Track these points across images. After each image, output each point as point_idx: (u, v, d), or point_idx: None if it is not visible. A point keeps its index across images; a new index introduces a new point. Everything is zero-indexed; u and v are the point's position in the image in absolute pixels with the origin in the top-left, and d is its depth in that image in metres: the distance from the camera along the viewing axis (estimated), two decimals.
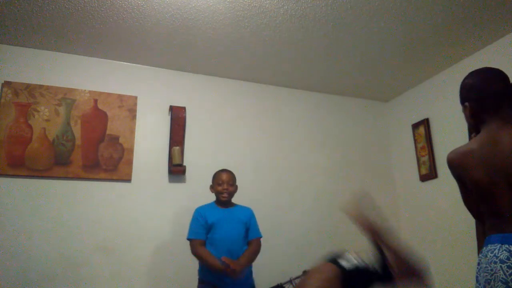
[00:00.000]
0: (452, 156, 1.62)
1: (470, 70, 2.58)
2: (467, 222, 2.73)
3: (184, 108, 3.16)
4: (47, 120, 2.82)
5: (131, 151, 2.96)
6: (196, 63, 3.16)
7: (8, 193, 2.62)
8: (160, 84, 3.19)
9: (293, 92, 3.64)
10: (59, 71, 2.93)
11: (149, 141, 3.06)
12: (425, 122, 3.43)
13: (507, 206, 1.43)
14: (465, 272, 2.86)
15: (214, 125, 3.30)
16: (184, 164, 3.05)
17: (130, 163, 2.94)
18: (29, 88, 2.81)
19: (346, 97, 3.86)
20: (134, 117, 3.03)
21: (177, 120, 3.12)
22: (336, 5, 2.44)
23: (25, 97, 2.78)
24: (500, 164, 1.43)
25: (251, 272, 2.51)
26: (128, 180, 2.92)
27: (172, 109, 3.13)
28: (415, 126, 3.55)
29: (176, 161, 2.98)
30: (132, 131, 3.01)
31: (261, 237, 2.58)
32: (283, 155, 3.46)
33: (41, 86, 2.84)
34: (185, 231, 2.51)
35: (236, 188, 2.61)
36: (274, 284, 2.79)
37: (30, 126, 2.77)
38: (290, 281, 2.80)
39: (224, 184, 2.54)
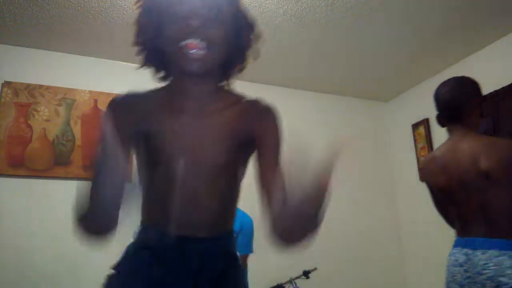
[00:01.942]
0: (424, 165, 1.73)
1: (470, 70, 2.58)
2: None
3: None
4: (47, 120, 2.82)
5: None
6: None
7: (8, 193, 2.62)
8: (160, 84, 3.19)
9: (292, 92, 3.64)
10: (59, 71, 2.93)
11: None
12: (425, 122, 3.43)
13: (466, 211, 1.51)
14: None
15: None
16: None
17: (130, 163, 2.94)
18: (29, 88, 2.81)
19: (346, 97, 3.86)
20: None
21: None
22: (336, 5, 2.45)
23: (25, 97, 2.79)
24: (457, 171, 1.51)
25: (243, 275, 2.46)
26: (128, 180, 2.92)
27: None
28: (415, 126, 3.56)
29: None
30: None
31: (248, 253, 2.43)
32: None
33: (41, 86, 2.84)
34: None
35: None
36: (274, 284, 2.79)
37: (30, 126, 2.77)
38: (290, 281, 2.80)
39: None
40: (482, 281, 1.39)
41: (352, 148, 3.74)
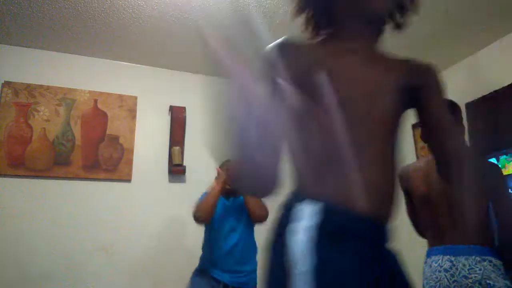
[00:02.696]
0: (402, 171, 1.81)
1: (470, 70, 2.63)
2: None
3: (184, 108, 3.16)
4: (47, 120, 2.82)
5: (131, 151, 2.96)
6: (196, 63, 3.16)
7: (8, 193, 2.62)
8: (160, 84, 3.19)
9: None
10: (59, 71, 2.93)
11: (149, 141, 3.06)
12: None
13: (446, 220, 1.65)
14: None
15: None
16: (184, 164, 3.05)
17: (130, 163, 2.94)
18: (29, 88, 2.81)
19: None
20: (134, 117, 3.03)
21: (177, 120, 3.12)
22: None
23: (25, 97, 2.78)
24: (439, 184, 1.63)
25: (254, 268, 2.34)
26: (128, 180, 2.92)
27: (172, 109, 3.13)
28: (415, 126, 3.55)
29: (176, 161, 2.98)
30: (132, 131, 3.01)
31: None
32: None
33: (41, 86, 2.84)
34: (185, 231, 2.52)
35: None
36: None
37: (30, 126, 2.77)
38: None
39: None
40: (469, 284, 1.52)
41: None
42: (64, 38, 2.78)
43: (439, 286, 1.60)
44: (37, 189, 2.70)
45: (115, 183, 2.89)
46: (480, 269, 1.52)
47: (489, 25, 2.67)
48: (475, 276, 1.52)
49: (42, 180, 2.72)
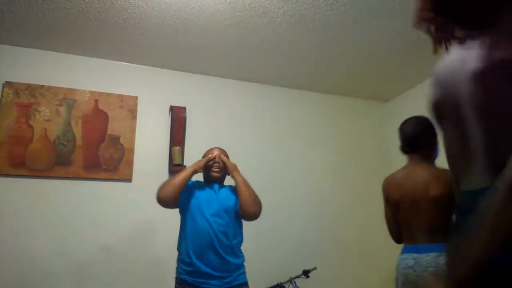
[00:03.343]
0: (384, 181, 2.13)
1: None
2: None
3: (184, 108, 3.17)
4: (48, 120, 2.82)
5: (131, 151, 2.97)
6: (196, 63, 3.17)
7: (9, 193, 2.63)
8: (160, 84, 3.20)
9: (293, 92, 3.64)
10: (60, 71, 2.94)
11: (149, 141, 3.07)
12: None
13: (414, 223, 1.91)
14: None
15: (214, 125, 3.30)
16: (184, 164, 3.05)
17: (130, 163, 2.95)
18: (30, 89, 2.82)
19: (346, 97, 3.86)
20: (134, 117, 3.04)
21: (177, 120, 3.12)
22: (335, 6, 2.45)
23: (26, 97, 2.79)
24: (411, 192, 1.92)
25: (241, 270, 2.11)
26: (129, 180, 2.92)
27: (172, 109, 3.13)
28: None
29: (176, 161, 2.99)
30: (132, 131, 3.01)
31: None
32: (283, 155, 3.46)
33: (42, 87, 2.85)
34: None
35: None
36: (274, 283, 2.80)
37: (31, 126, 2.78)
38: (290, 281, 2.80)
39: (216, 157, 2.21)
40: (427, 277, 1.76)
41: (352, 148, 3.75)
42: (64, 39, 2.78)
43: (406, 282, 1.86)
44: (38, 189, 2.70)
45: (115, 183, 2.89)
46: (436, 264, 1.77)
47: None
48: (431, 270, 1.75)
49: (43, 180, 2.73)
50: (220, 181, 2.24)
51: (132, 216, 2.86)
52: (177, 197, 2.06)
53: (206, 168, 2.20)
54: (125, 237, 2.81)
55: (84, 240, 2.71)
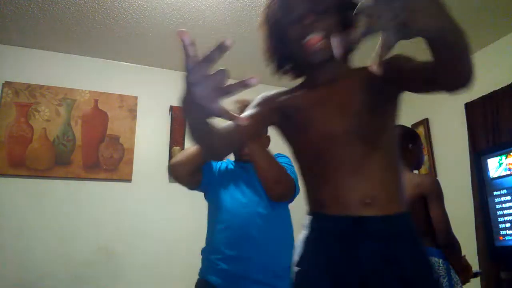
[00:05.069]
0: None
1: None
2: (464, 221, 2.73)
3: None
4: (48, 120, 2.82)
5: (131, 151, 2.97)
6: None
7: (9, 193, 2.63)
8: (160, 84, 3.20)
9: None
10: (60, 71, 2.94)
11: (149, 141, 3.07)
12: (425, 122, 3.43)
13: None
14: None
15: None
16: None
17: (130, 163, 2.95)
18: (30, 88, 2.81)
19: None
20: (134, 117, 3.04)
21: (177, 120, 3.12)
22: None
23: (25, 97, 2.79)
24: None
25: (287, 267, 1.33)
26: (128, 180, 2.92)
27: (172, 109, 3.13)
28: (415, 126, 3.56)
29: None
30: (132, 131, 3.01)
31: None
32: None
33: (41, 86, 2.85)
34: (186, 232, 2.52)
35: (269, 139, 1.67)
36: None
37: (30, 126, 2.77)
38: None
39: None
40: None
41: None
42: (64, 38, 2.78)
43: None
44: (38, 189, 2.70)
45: (115, 183, 2.89)
46: None
47: (488, 25, 2.68)
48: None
49: (43, 180, 2.73)
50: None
51: (132, 216, 2.86)
52: None
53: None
54: (125, 237, 2.81)
55: (84, 240, 2.71)
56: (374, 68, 0.85)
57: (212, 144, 0.88)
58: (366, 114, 0.90)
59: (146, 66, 3.18)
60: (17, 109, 2.76)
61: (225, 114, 0.69)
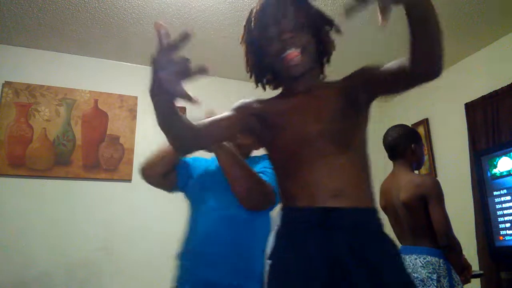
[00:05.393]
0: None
1: (470, 70, 2.74)
2: (464, 221, 2.74)
3: (184, 108, 3.16)
4: (48, 120, 2.82)
5: (131, 151, 2.97)
6: (196, 63, 3.16)
7: (9, 193, 2.63)
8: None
9: None
10: (60, 71, 2.94)
11: (149, 141, 3.06)
12: (425, 122, 3.43)
13: (397, 226, 2.04)
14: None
15: None
16: None
17: (130, 163, 2.95)
18: (30, 88, 2.81)
19: None
20: (134, 117, 3.04)
21: None
22: (335, 5, 2.45)
23: (25, 97, 2.79)
24: (390, 199, 2.05)
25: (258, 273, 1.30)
26: (128, 180, 2.92)
27: None
28: (415, 126, 3.56)
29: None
30: (132, 131, 3.01)
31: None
32: None
33: (41, 86, 2.85)
34: None
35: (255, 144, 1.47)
36: None
37: (30, 126, 2.77)
38: None
39: None
40: None
41: None
42: (64, 38, 2.78)
43: None
44: (38, 189, 2.70)
45: (115, 183, 2.89)
46: (413, 265, 1.86)
47: (488, 26, 2.68)
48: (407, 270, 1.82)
49: (43, 180, 2.73)
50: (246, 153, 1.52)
51: (132, 216, 2.86)
52: None
53: None
54: (125, 237, 2.81)
55: (84, 240, 2.71)
56: (348, 80, 1.04)
57: (179, 134, 0.97)
58: (339, 120, 0.98)
59: (147, 66, 3.17)
60: (17, 109, 2.76)
61: (186, 97, 0.78)
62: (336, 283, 0.85)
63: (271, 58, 1.04)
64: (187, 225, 1.53)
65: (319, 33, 1.08)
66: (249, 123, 1.07)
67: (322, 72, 1.14)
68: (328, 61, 1.15)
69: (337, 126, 0.98)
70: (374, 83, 1.02)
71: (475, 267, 2.58)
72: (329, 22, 1.12)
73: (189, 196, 1.56)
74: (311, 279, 0.87)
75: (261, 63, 1.10)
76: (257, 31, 1.05)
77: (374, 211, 0.96)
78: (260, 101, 1.11)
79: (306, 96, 1.04)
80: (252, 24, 1.07)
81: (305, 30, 1.03)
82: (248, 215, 1.35)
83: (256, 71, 1.13)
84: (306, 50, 1.01)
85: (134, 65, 3.14)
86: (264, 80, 1.15)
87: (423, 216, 1.91)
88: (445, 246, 1.86)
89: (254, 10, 1.06)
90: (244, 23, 1.09)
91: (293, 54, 0.98)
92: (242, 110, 1.07)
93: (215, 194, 1.43)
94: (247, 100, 1.12)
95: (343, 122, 0.99)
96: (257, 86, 1.16)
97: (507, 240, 2.41)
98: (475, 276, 2.09)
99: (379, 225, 0.95)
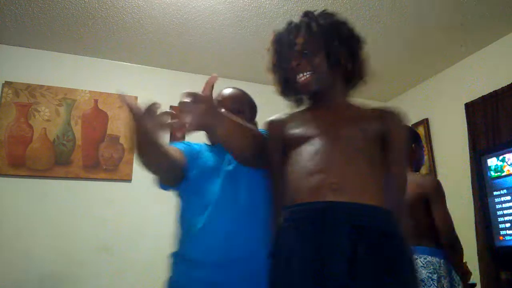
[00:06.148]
0: None
1: (470, 70, 2.73)
2: (464, 221, 2.73)
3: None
4: (48, 120, 2.82)
5: (131, 151, 2.97)
6: (196, 63, 3.16)
7: (9, 193, 2.63)
8: (160, 84, 3.20)
9: None
10: (60, 71, 2.94)
11: None
12: (425, 122, 3.43)
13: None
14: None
15: None
16: None
17: (130, 163, 2.95)
18: (30, 88, 2.81)
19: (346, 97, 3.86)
20: None
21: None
22: (335, 6, 2.45)
23: (25, 97, 2.79)
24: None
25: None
26: (128, 180, 2.92)
27: (172, 109, 3.13)
28: (415, 126, 3.56)
29: None
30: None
31: None
32: None
33: (41, 86, 2.85)
34: None
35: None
36: None
37: (30, 126, 2.78)
38: None
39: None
40: None
41: None
42: (64, 38, 2.78)
43: None
44: (38, 189, 2.70)
45: (115, 183, 2.89)
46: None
47: (488, 26, 2.68)
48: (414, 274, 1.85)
49: (43, 180, 2.73)
50: None
51: (132, 216, 2.86)
52: None
53: None
54: (125, 237, 2.80)
55: (84, 240, 2.70)
56: (378, 116, 1.13)
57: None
58: (353, 136, 1.06)
59: (146, 66, 3.18)
60: (17, 109, 2.76)
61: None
62: (335, 278, 0.88)
63: (289, 81, 1.17)
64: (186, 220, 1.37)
65: (332, 53, 1.14)
66: (280, 146, 1.18)
67: (347, 91, 1.22)
68: (361, 82, 1.23)
69: (352, 144, 1.05)
70: (384, 146, 1.10)
71: (475, 267, 2.58)
72: (357, 40, 1.26)
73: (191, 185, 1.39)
74: (313, 274, 0.89)
75: (284, 89, 1.23)
76: (275, 57, 1.21)
77: (381, 210, 0.98)
78: (285, 120, 1.23)
79: (326, 110, 1.14)
80: (272, 51, 1.22)
81: (317, 52, 1.12)
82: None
83: (282, 95, 1.27)
84: (318, 70, 1.11)
85: (134, 65, 3.14)
86: (293, 99, 1.26)
87: (424, 216, 1.91)
88: (447, 246, 1.85)
89: (271, 39, 1.22)
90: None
91: (303, 77, 1.11)
92: (274, 137, 1.21)
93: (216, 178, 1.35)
94: (275, 119, 1.27)
95: (359, 145, 1.05)
96: (288, 101, 1.30)
97: (507, 240, 2.41)
98: (470, 285, 2.08)
99: (389, 225, 0.98)
